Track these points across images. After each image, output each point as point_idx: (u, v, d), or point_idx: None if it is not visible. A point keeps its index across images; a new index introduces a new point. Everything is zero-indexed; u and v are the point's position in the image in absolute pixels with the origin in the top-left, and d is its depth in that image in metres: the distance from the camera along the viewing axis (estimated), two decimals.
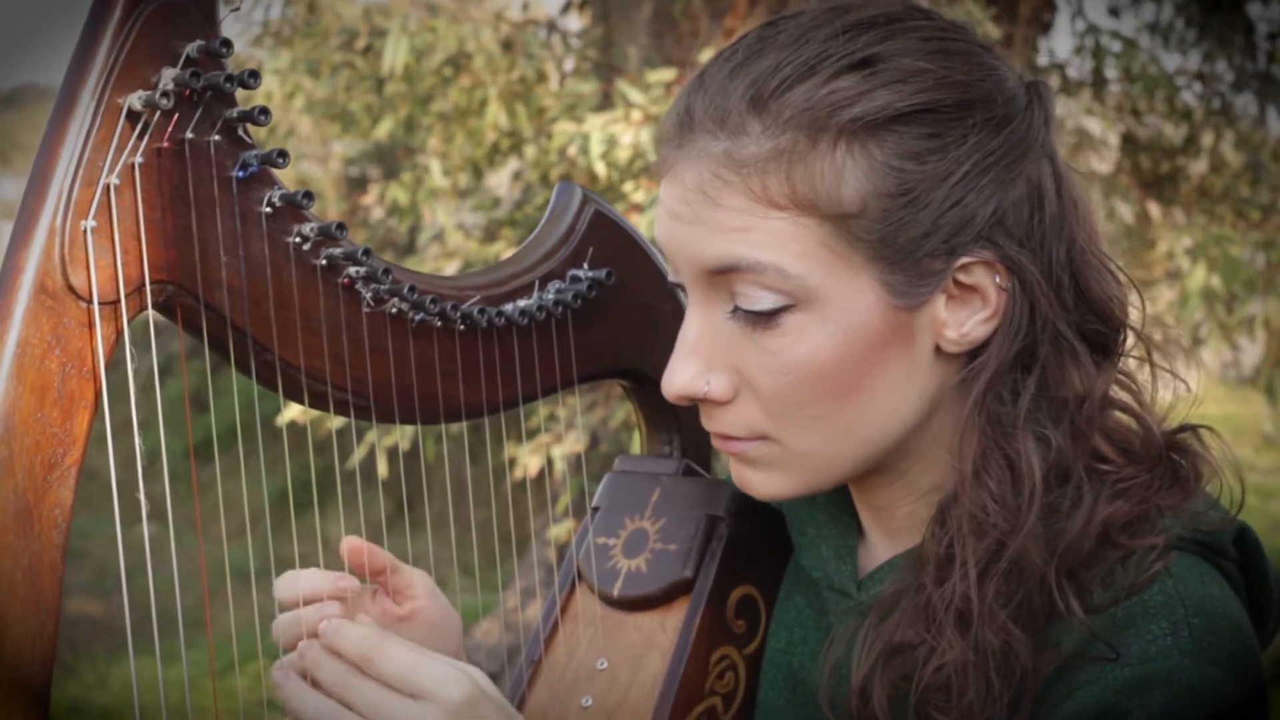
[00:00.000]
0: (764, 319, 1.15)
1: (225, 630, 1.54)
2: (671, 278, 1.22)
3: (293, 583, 1.24)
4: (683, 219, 1.16)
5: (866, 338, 1.14)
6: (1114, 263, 1.22)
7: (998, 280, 1.16)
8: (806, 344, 1.14)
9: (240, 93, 1.12)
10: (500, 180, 6.18)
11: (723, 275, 1.15)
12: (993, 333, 1.17)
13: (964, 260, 1.15)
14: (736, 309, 1.16)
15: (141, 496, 1.06)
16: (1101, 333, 1.20)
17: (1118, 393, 1.21)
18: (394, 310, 1.22)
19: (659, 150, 1.20)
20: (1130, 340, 1.22)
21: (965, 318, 1.16)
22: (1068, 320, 1.17)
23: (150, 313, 1.10)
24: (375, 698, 1.10)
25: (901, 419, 1.18)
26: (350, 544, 1.29)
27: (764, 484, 1.22)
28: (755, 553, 1.35)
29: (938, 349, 1.17)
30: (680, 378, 1.19)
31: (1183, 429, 1.22)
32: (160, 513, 1.05)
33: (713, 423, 1.21)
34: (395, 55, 5.36)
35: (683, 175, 1.16)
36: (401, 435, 5.18)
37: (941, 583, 1.16)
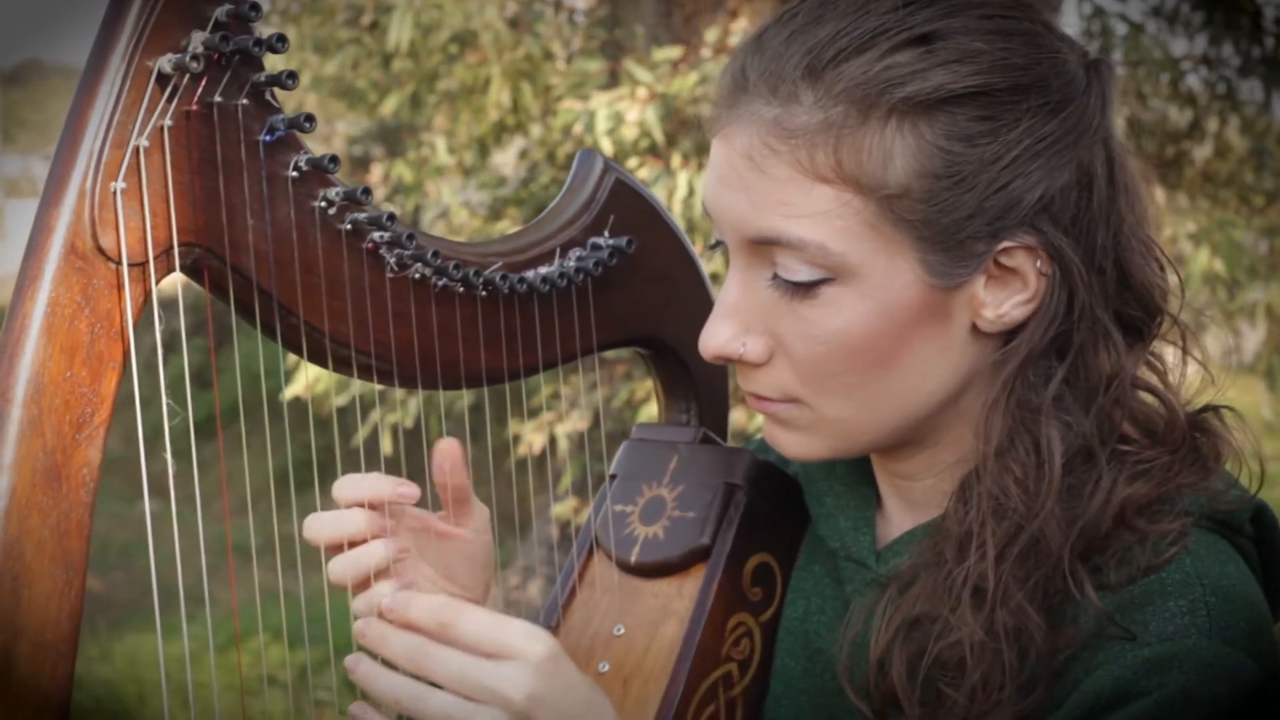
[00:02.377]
0: (802, 289, 1.15)
1: (227, 607, 1.55)
2: (715, 236, 1.23)
3: (355, 485, 1.24)
4: (729, 185, 1.17)
5: (902, 314, 1.15)
6: (1159, 247, 1.21)
7: (1039, 265, 1.16)
8: (842, 316, 1.15)
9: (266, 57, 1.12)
10: (506, 159, 6.18)
11: (765, 246, 1.16)
12: (1030, 315, 1.17)
13: (1006, 244, 1.15)
14: (776, 276, 1.16)
15: (168, 456, 1.06)
16: (1137, 317, 1.20)
17: (1144, 374, 1.21)
18: (417, 275, 1.22)
19: (713, 108, 1.20)
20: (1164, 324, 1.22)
21: (1003, 299, 1.17)
22: (1106, 304, 1.18)
23: (160, 290, 1.10)
24: (457, 663, 1.08)
25: (932, 393, 1.19)
26: (451, 449, 1.28)
27: (794, 445, 1.23)
28: (772, 521, 1.36)
29: (974, 327, 1.17)
30: (717, 338, 1.20)
31: (1205, 409, 1.22)
32: (164, 489, 1.06)
33: (747, 383, 1.22)
34: (400, 32, 5.36)
35: (733, 138, 1.16)
36: (405, 414, 5.18)
37: (961, 560, 1.16)
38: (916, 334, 1.16)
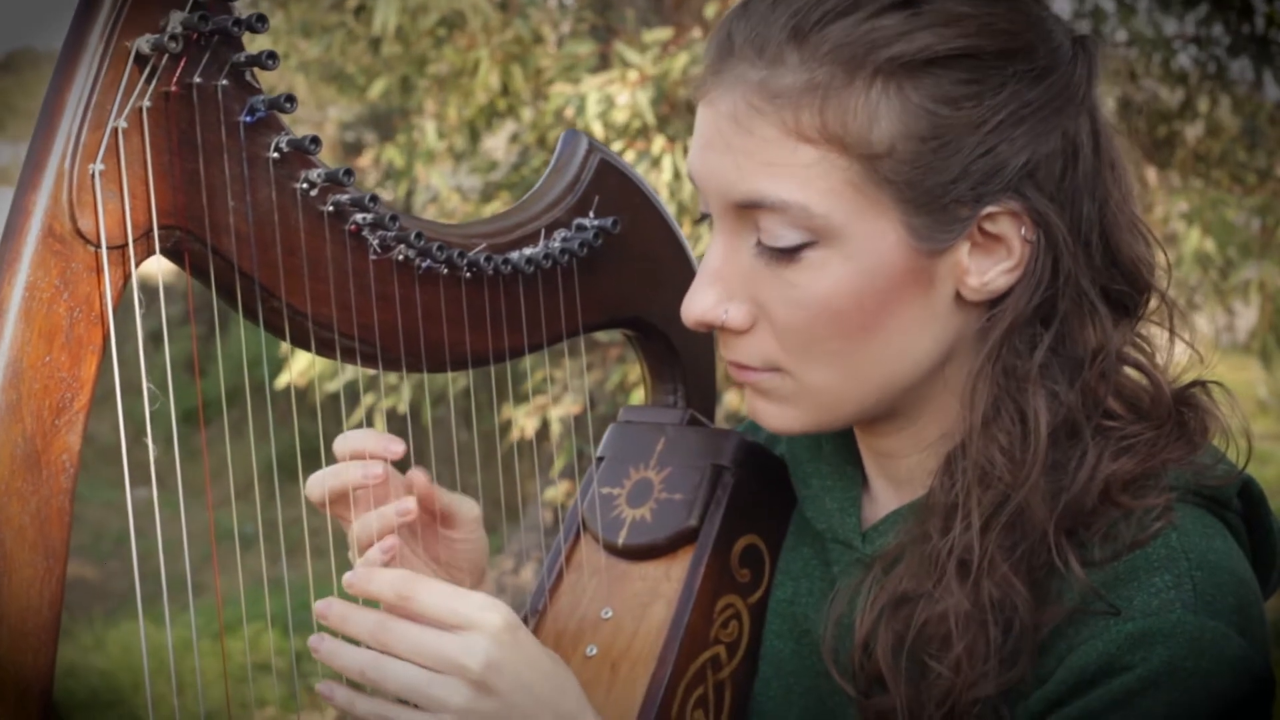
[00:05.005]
0: (786, 254, 1.15)
1: (220, 594, 1.55)
2: (701, 208, 1.22)
3: (345, 440, 1.27)
4: (714, 147, 1.16)
5: (886, 278, 1.14)
6: (1145, 224, 1.21)
7: (1023, 232, 1.16)
8: (826, 280, 1.15)
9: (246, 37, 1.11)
10: (498, 143, 6.17)
11: (749, 210, 1.15)
12: (1015, 283, 1.17)
13: (990, 209, 1.14)
14: (759, 243, 1.16)
15: (150, 441, 1.05)
16: (1125, 293, 1.20)
17: (1131, 350, 1.21)
18: (400, 257, 1.22)
19: (700, 75, 1.20)
20: (1152, 303, 1.22)
21: (988, 266, 1.16)
22: (1092, 279, 1.17)
23: (153, 281, 1.10)
24: (416, 636, 1.11)
25: (916, 361, 1.18)
26: (417, 480, 1.30)
27: (775, 417, 1.22)
28: (760, 502, 1.36)
29: (958, 296, 1.17)
30: (700, 304, 1.19)
31: (1192, 384, 1.22)
32: (157, 476, 1.05)
33: (729, 350, 1.22)
34: (386, 17, 5.34)
35: (718, 101, 1.16)
36: (398, 399, 5.17)
37: (946, 532, 1.16)
38: (900, 299, 1.15)
